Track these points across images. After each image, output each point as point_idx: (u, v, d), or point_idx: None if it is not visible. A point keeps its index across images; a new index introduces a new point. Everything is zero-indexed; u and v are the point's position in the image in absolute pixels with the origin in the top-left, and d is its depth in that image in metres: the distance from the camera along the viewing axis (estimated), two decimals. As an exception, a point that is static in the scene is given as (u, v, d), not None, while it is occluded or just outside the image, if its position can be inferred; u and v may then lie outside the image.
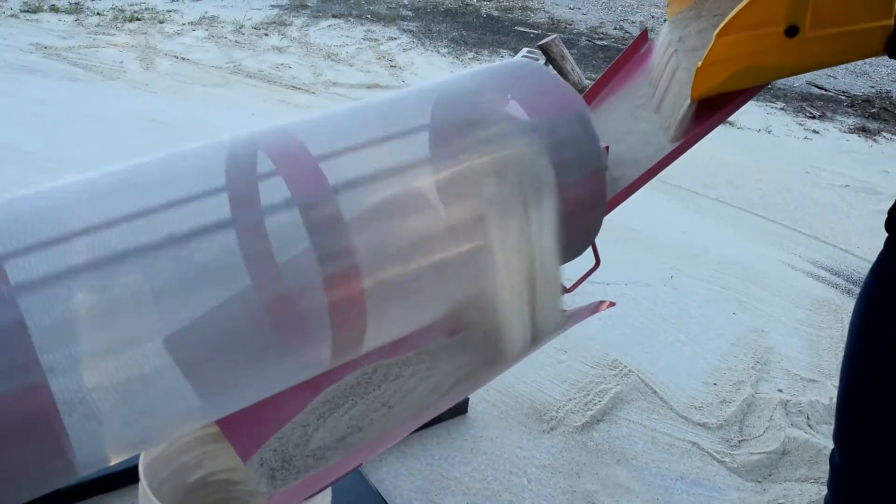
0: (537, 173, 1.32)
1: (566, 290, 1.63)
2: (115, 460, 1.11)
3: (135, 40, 5.88)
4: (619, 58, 1.93)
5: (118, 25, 6.22)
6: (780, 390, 2.63)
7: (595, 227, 1.49)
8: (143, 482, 1.40)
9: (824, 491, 2.15)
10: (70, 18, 6.29)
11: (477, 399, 2.36)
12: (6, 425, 0.94)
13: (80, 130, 4.12)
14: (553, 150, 1.34)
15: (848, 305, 3.27)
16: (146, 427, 1.16)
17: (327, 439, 1.44)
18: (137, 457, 1.46)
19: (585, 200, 1.44)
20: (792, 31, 1.35)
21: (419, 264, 1.23)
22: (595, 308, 1.41)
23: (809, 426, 2.45)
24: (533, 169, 1.33)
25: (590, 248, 1.60)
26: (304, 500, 1.30)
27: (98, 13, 6.51)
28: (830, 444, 2.25)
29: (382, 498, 1.91)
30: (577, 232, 1.47)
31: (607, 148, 1.50)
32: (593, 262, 1.63)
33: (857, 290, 3.38)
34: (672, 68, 1.72)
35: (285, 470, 1.41)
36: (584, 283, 1.59)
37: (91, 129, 4.15)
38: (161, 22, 6.44)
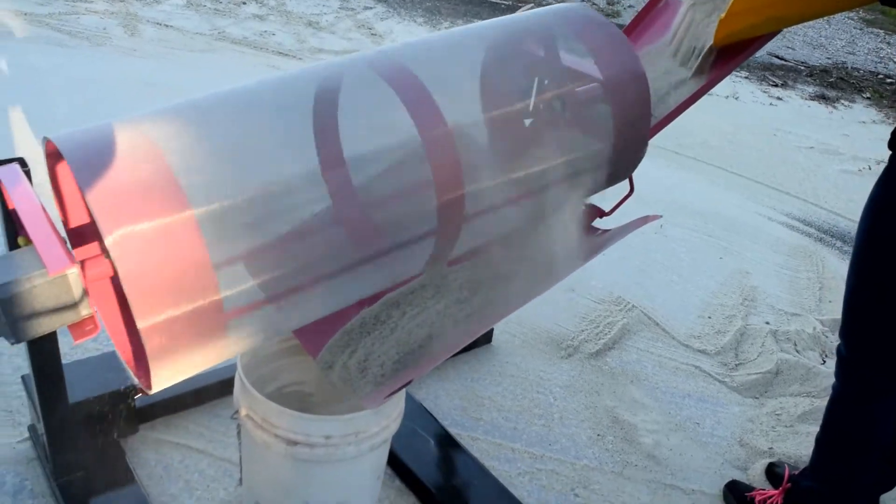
0: (596, 119, 1.52)
1: (606, 214, 1.84)
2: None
3: (114, 7, 5.88)
4: (640, 12, 2.12)
5: (95, -7, 6.21)
6: (767, 322, 2.88)
7: (639, 157, 1.69)
8: (243, 380, 1.55)
9: (816, 402, 2.41)
10: (45, -14, 6.26)
11: (499, 331, 2.55)
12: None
13: (76, 94, 4.16)
14: (611, 95, 1.54)
15: (821, 252, 3.54)
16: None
17: (398, 347, 1.60)
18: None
19: (633, 134, 1.63)
20: None
21: (506, 182, 1.41)
22: (643, 221, 1.61)
23: (797, 351, 2.71)
24: (592, 116, 1.52)
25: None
26: (383, 400, 1.46)
27: (72, -20, 6.48)
28: (818, 366, 2.52)
29: (430, 412, 2.10)
30: (625, 161, 1.66)
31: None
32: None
33: (829, 238, 3.67)
34: (688, 22, 1.92)
35: (362, 376, 1.57)
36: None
37: (86, 93, 4.20)
38: (137, -10, 6.44)
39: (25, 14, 5.47)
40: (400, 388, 1.45)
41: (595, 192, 1.71)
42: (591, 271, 2.98)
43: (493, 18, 1.70)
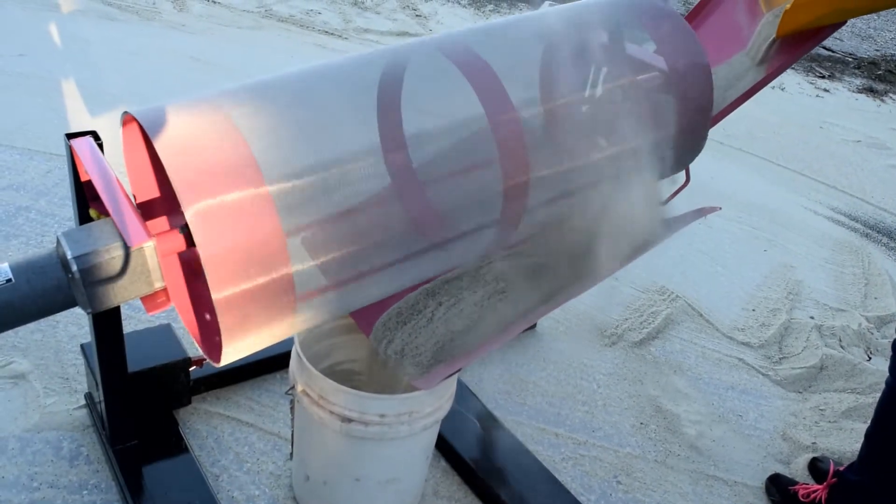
0: (659, 107, 1.52)
1: (662, 203, 1.84)
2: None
3: (162, -17, 5.93)
4: (701, 1, 2.10)
5: (143, -32, 6.26)
6: (811, 317, 2.86)
7: (699, 147, 1.69)
8: (301, 357, 1.59)
9: (861, 399, 2.40)
10: (94, -41, 6.33)
11: (543, 318, 2.56)
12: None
13: (126, 67, 4.22)
14: (675, 83, 1.53)
15: (867, 247, 3.50)
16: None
17: (435, 337, 1.62)
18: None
19: (694, 124, 1.63)
20: None
21: (571, 170, 1.42)
22: (702, 212, 1.61)
23: (842, 347, 2.69)
24: (656, 104, 1.52)
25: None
26: (437, 383, 1.48)
27: (120, -45, 6.54)
28: (863, 363, 2.50)
29: (476, 396, 2.12)
30: (685, 151, 1.66)
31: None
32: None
33: (875, 234, 3.62)
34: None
35: (414, 358, 1.59)
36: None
37: (136, 67, 4.26)
38: (184, -34, 6.48)
39: (75, -13, 5.53)
40: (453, 374, 1.47)
41: (657, 180, 1.71)
42: (635, 261, 2.97)
43: (556, 5, 1.70)
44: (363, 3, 6.06)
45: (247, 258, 1.13)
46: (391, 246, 1.29)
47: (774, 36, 1.80)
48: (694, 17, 2.06)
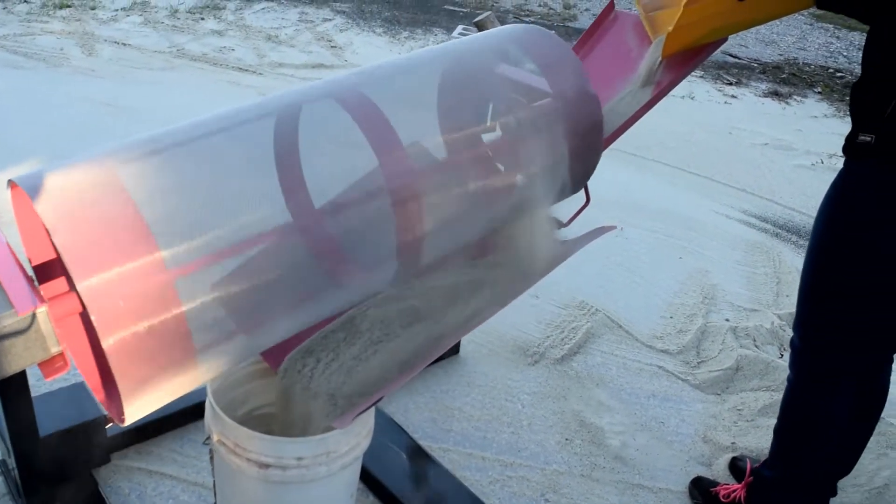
0: (549, 137, 1.57)
1: (564, 224, 1.89)
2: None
3: (70, 27, 5.85)
4: (590, 27, 2.17)
5: (49, 13, 6.16)
6: (727, 319, 2.96)
7: (592, 168, 1.75)
8: (213, 405, 1.58)
9: (775, 396, 2.49)
10: (-2, 7, 6.20)
11: (466, 341, 2.59)
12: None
13: (34, 117, 4.14)
14: (562, 110, 1.59)
15: (778, 247, 3.64)
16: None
17: (369, 362, 1.64)
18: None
19: (586, 148, 1.69)
20: None
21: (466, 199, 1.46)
22: (600, 231, 1.66)
23: (756, 346, 2.79)
24: (546, 134, 1.57)
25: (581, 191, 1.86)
26: (357, 416, 1.49)
27: (25, 0, 6.42)
28: (776, 360, 2.60)
29: (400, 426, 2.14)
30: (579, 173, 1.72)
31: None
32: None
33: (785, 234, 3.76)
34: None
35: (332, 399, 1.60)
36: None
37: (45, 116, 4.18)
38: (93, 8, 6.40)
39: (-22, 37, 5.42)
40: (366, 409, 1.49)
41: (551, 204, 1.76)
42: (554, 277, 3.00)
43: (446, 42, 1.75)
44: (277, 37, 6.07)
45: (140, 316, 1.13)
46: (286, 289, 1.31)
47: (661, 57, 1.88)
48: (582, 45, 2.13)
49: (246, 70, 5.27)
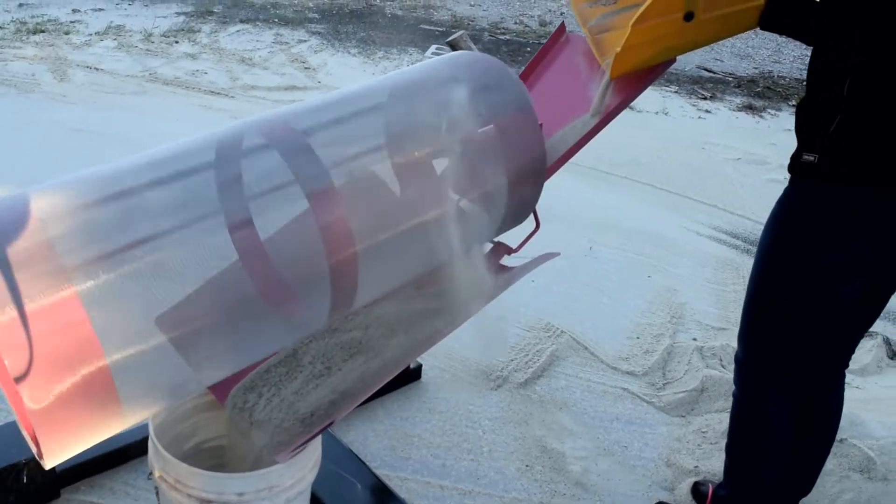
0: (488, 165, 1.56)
1: (513, 251, 1.88)
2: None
3: (43, 52, 5.83)
4: (540, 50, 2.17)
5: (23, 38, 6.15)
6: (694, 339, 2.95)
7: (536, 197, 1.74)
8: (154, 442, 1.56)
9: (739, 418, 2.47)
10: (-29, 33, 6.18)
11: (428, 366, 2.57)
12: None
13: (4, 143, 4.12)
14: (503, 141, 1.58)
15: (747, 263, 3.62)
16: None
17: (310, 396, 1.61)
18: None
19: (528, 176, 1.68)
20: (689, 17, 1.65)
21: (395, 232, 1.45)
22: (544, 258, 1.65)
23: (722, 366, 2.77)
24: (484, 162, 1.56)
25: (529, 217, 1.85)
26: (297, 451, 1.47)
27: (-1, 27, 6.41)
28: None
29: (357, 456, 2.11)
30: (522, 202, 1.71)
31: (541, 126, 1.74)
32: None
33: (755, 249, 3.76)
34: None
35: (273, 434, 1.58)
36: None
37: (15, 142, 4.16)
38: (66, 33, 6.39)
39: (-50, 64, 5.39)
40: (304, 444, 1.47)
41: (496, 233, 1.75)
42: (521, 298, 3.02)
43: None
44: (251, 59, 6.06)
45: (58, 361, 1.11)
46: (212, 332, 1.29)
47: (608, 79, 1.87)
48: (533, 68, 2.13)
49: (218, 93, 5.25)
